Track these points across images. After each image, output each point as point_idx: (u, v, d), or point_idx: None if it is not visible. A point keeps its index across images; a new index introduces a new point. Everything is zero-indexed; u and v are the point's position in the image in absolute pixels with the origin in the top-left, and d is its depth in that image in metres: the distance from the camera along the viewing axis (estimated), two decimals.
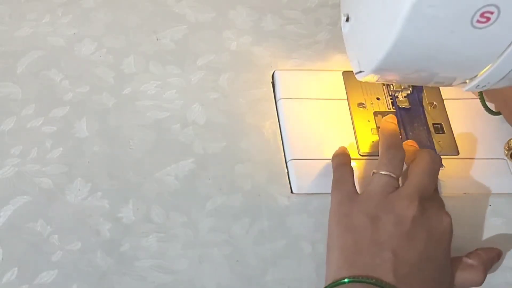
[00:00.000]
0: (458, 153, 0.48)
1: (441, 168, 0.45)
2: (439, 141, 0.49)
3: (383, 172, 0.42)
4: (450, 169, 0.48)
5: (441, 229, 0.40)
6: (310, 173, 0.47)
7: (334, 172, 0.45)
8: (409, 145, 0.46)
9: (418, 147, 0.46)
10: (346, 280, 0.37)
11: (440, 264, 0.40)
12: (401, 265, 0.38)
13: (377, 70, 0.39)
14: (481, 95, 0.49)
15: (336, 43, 0.55)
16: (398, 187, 0.42)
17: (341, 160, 0.46)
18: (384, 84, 0.51)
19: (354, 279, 0.37)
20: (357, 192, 0.42)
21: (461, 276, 0.41)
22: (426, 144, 0.48)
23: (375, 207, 0.40)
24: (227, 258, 0.43)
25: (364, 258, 0.38)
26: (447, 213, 0.41)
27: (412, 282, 0.38)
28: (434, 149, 0.48)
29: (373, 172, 0.43)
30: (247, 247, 0.44)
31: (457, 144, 0.49)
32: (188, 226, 0.44)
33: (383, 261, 0.38)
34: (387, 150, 0.43)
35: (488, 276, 0.43)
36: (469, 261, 0.42)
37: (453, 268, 0.41)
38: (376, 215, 0.40)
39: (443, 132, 0.49)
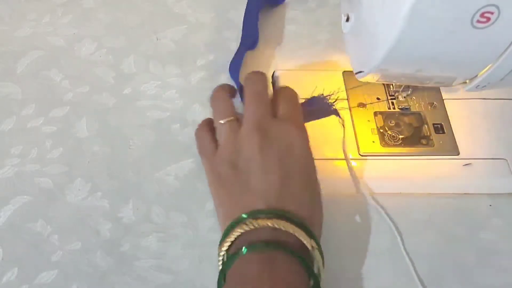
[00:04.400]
0: (458, 153, 0.48)
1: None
2: (440, 141, 0.49)
3: (220, 121, 0.44)
4: (450, 169, 0.48)
5: (287, 142, 0.41)
6: None
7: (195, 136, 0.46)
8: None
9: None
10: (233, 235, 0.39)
11: (303, 172, 0.41)
12: (267, 192, 0.39)
13: (377, 70, 0.39)
14: None
15: (336, 43, 0.55)
16: (240, 125, 0.43)
17: (201, 124, 0.46)
18: (384, 84, 0.51)
19: (233, 223, 0.39)
20: (216, 147, 0.44)
21: None
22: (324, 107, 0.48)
23: (230, 155, 0.42)
24: None
25: (237, 201, 0.40)
26: (290, 125, 0.42)
27: (282, 201, 0.39)
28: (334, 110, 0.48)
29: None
30: None
31: (457, 144, 0.49)
32: (188, 226, 0.44)
33: (252, 195, 0.40)
34: (212, 103, 0.45)
35: (487, 276, 0.43)
36: None
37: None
38: (232, 162, 0.41)
39: (443, 132, 0.49)
